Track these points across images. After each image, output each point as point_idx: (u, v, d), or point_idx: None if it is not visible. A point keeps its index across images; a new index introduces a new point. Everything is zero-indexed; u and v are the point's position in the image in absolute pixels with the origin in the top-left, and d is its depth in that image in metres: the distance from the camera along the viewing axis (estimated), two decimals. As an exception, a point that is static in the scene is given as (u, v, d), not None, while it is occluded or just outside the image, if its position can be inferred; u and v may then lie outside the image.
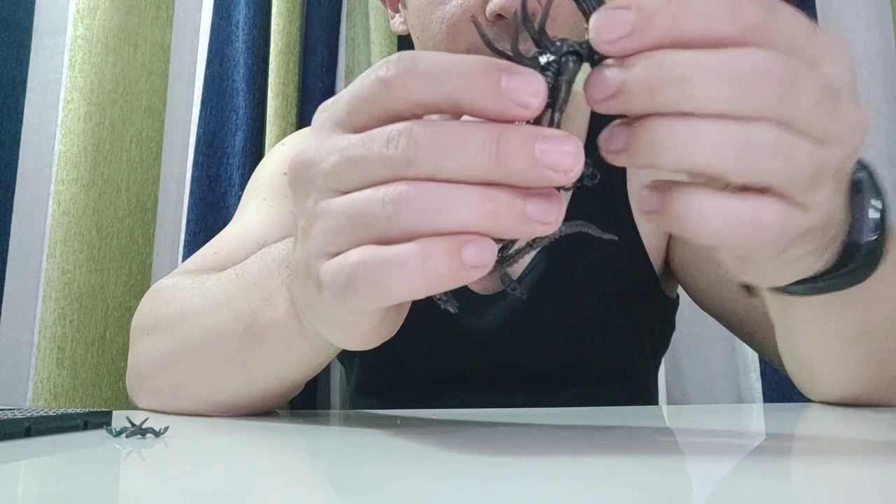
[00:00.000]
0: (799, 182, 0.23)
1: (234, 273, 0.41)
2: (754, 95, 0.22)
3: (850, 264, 0.31)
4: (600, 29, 0.23)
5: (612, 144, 0.24)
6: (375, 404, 0.67)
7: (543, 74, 0.24)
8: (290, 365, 0.39)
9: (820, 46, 0.23)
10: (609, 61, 0.23)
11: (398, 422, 0.40)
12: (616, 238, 0.29)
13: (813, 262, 0.31)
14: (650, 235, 0.66)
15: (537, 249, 0.28)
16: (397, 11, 0.66)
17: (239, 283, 0.40)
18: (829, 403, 0.47)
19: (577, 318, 0.62)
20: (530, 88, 0.22)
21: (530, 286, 0.59)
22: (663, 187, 0.24)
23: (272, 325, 0.36)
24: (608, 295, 0.64)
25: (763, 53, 0.22)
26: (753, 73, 0.22)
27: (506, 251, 0.28)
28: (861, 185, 0.31)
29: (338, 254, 0.25)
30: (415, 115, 0.24)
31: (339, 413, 0.68)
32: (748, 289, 0.41)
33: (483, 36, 0.25)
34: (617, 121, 0.24)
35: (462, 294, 0.60)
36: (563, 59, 0.24)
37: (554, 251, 0.58)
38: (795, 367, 0.47)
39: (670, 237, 0.67)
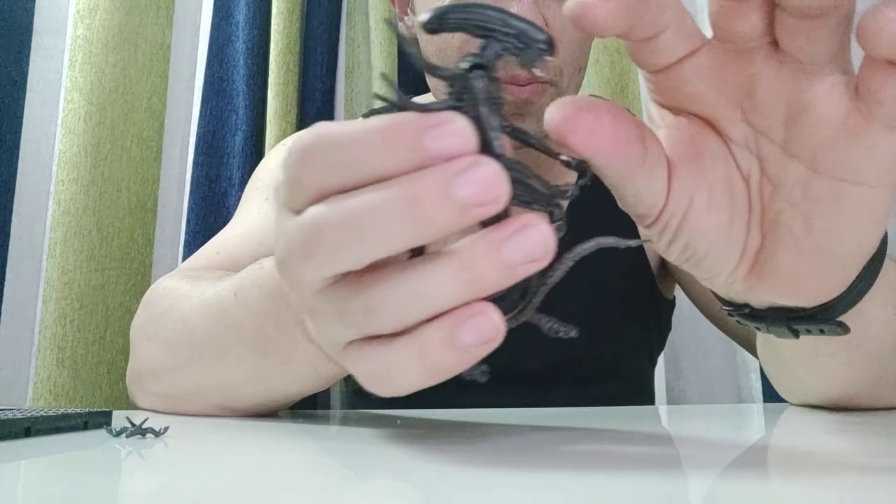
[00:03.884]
0: None
1: (233, 293, 0.40)
2: None
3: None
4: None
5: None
6: (375, 405, 0.67)
7: (462, 104, 0.21)
8: (319, 382, 0.39)
9: None
10: None
11: (398, 422, 0.40)
12: (643, 242, 0.27)
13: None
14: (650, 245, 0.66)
15: (556, 279, 0.24)
16: (406, 14, 0.66)
17: (240, 306, 0.39)
18: (810, 406, 0.47)
19: (575, 316, 0.62)
20: (454, 139, 0.19)
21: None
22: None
23: (298, 353, 0.36)
24: (606, 294, 0.64)
25: None
26: None
27: (518, 295, 0.24)
28: None
29: (348, 342, 0.23)
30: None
31: (339, 413, 0.68)
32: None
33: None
34: None
35: None
36: (465, 79, 0.21)
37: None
38: (776, 372, 0.47)
39: None
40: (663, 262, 0.68)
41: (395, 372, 0.21)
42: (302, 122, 0.96)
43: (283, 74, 0.94)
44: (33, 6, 0.96)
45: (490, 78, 0.22)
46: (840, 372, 0.39)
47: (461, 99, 0.21)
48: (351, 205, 0.20)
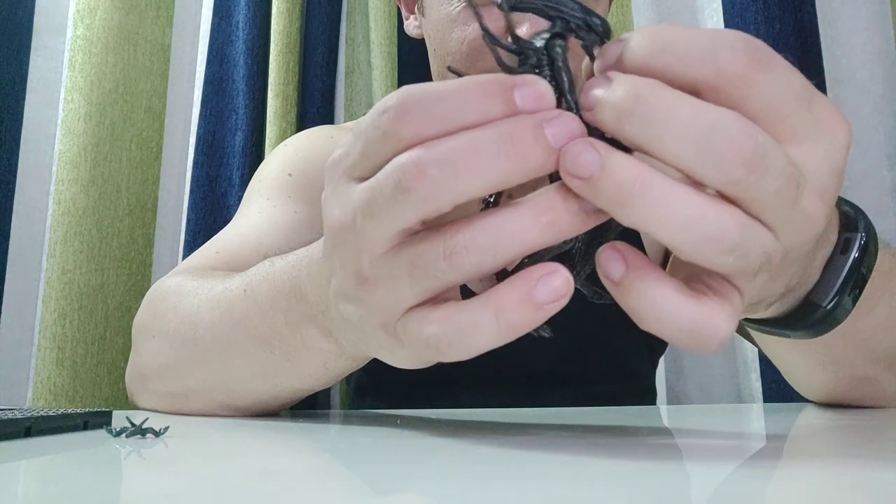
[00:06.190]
0: (745, 273, 0.22)
1: (242, 289, 0.40)
2: (715, 166, 0.20)
3: (807, 319, 0.31)
4: (598, 60, 0.23)
5: (579, 167, 0.21)
6: (375, 405, 0.67)
7: (541, 74, 0.24)
8: (326, 379, 0.39)
9: (808, 121, 0.22)
10: (597, 76, 0.23)
11: (398, 422, 0.40)
12: None
13: (763, 312, 0.30)
14: (648, 235, 0.66)
15: (609, 241, 0.26)
16: (412, 13, 0.66)
17: (249, 302, 0.39)
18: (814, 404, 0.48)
19: (576, 316, 0.62)
20: (539, 95, 0.22)
21: None
22: (630, 261, 0.22)
23: (307, 349, 0.36)
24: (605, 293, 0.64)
25: (737, 123, 0.20)
26: (720, 142, 0.20)
27: (573, 258, 0.26)
28: (849, 245, 0.30)
29: (412, 307, 0.24)
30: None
31: (339, 413, 0.68)
32: None
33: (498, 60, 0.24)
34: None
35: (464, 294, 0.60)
36: (549, 46, 0.24)
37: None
38: (778, 366, 0.48)
39: None
40: (664, 262, 0.68)
41: (468, 332, 0.23)
42: (302, 122, 0.96)
43: (283, 74, 0.94)
44: (33, 6, 0.96)
45: (565, 47, 0.25)
46: (822, 366, 0.41)
47: (538, 67, 0.24)
48: (451, 143, 0.22)
